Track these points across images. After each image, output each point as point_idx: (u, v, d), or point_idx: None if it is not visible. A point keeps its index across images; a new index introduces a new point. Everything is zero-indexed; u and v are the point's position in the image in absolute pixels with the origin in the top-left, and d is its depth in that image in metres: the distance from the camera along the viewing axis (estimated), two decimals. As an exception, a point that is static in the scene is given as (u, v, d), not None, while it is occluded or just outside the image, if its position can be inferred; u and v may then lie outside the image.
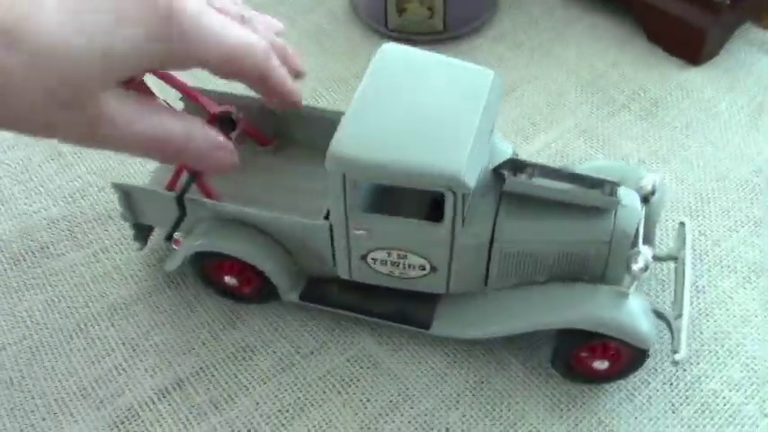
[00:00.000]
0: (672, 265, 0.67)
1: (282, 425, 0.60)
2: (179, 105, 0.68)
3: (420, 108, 0.56)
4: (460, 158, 0.53)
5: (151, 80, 0.59)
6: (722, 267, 0.68)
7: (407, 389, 0.62)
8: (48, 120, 0.43)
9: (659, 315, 0.60)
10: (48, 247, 0.71)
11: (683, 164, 0.76)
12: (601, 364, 0.59)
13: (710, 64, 0.85)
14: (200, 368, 0.63)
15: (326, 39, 0.90)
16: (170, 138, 0.49)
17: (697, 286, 0.67)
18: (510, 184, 0.56)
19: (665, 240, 0.70)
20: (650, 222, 0.62)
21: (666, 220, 0.71)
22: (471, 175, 0.53)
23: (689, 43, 0.84)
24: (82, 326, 0.66)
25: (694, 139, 0.78)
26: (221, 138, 0.53)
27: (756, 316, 0.65)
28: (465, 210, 0.55)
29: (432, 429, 0.59)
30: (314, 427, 0.60)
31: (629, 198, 0.57)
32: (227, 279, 0.65)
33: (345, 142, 0.54)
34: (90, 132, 0.44)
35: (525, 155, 0.77)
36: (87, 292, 0.68)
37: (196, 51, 0.46)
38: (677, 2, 0.83)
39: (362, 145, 0.54)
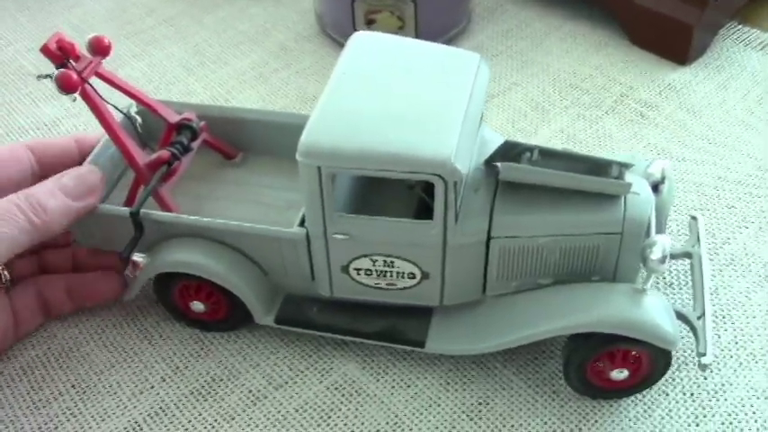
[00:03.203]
0: (682, 265, 0.61)
1: (259, 465, 0.52)
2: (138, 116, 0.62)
3: (401, 93, 0.50)
4: (449, 142, 0.47)
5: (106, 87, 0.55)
6: (736, 267, 0.62)
7: (396, 416, 0.54)
8: None
9: (679, 316, 0.54)
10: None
11: (682, 163, 0.71)
12: (620, 374, 0.52)
13: (699, 63, 0.81)
14: (160, 408, 0.55)
15: (292, 57, 0.85)
16: None
17: (710, 287, 0.61)
18: (506, 171, 0.50)
19: (673, 240, 0.64)
20: (661, 215, 0.57)
21: (671, 220, 0.66)
22: (463, 160, 0.47)
23: (676, 41, 0.80)
24: (26, 368, 0.58)
25: (690, 138, 0.73)
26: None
27: (780, 316, 0.59)
28: (458, 202, 0.49)
29: (431, 460, 0.52)
30: (295, 465, 0.52)
31: (639, 184, 0.52)
32: (194, 305, 0.57)
33: (319, 131, 0.48)
34: None
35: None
36: (32, 334, 0.60)
37: None
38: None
39: (338, 133, 0.48)
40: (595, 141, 0.74)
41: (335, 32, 0.85)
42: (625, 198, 0.51)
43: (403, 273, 0.52)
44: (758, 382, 0.55)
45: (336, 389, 0.56)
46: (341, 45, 0.85)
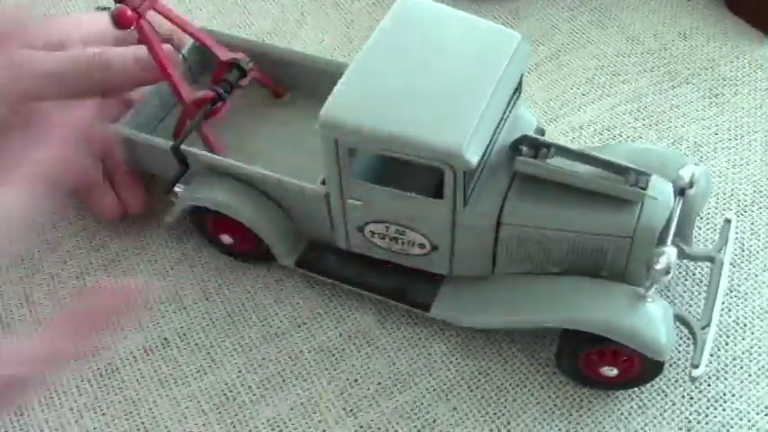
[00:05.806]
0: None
1: (262, 396, 0.57)
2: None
3: (429, 71, 0.50)
4: (463, 132, 0.47)
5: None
6: (770, 273, 0.61)
7: (399, 371, 0.57)
8: None
9: (684, 322, 0.54)
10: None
11: (745, 151, 0.68)
12: (609, 371, 0.53)
13: (794, 40, 0.76)
14: (188, 329, 0.60)
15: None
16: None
17: (739, 291, 0.60)
18: (519, 164, 0.50)
19: (712, 237, 0.62)
20: (688, 217, 0.55)
21: (715, 214, 0.64)
22: (474, 152, 0.47)
23: (771, 13, 0.74)
24: (78, 275, 0.64)
25: (761, 125, 0.70)
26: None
27: (802, 333, 0.58)
28: (468, 188, 0.49)
29: (417, 420, 0.55)
30: (294, 403, 0.56)
31: (660, 190, 0.50)
32: (224, 237, 0.61)
33: (340, 105, 0.49)
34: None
35: (568, 129, 0.70)
36: (85, 242, 0.66)
37: None
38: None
39: (358, 109, 0.49)
40: (660, 117, 0.71)
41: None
42: (642, 203, 0.50)
43: (413, 242, 0.54)
44: (762, 398, 0.55)
45: (350, 337, 0.59)
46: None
